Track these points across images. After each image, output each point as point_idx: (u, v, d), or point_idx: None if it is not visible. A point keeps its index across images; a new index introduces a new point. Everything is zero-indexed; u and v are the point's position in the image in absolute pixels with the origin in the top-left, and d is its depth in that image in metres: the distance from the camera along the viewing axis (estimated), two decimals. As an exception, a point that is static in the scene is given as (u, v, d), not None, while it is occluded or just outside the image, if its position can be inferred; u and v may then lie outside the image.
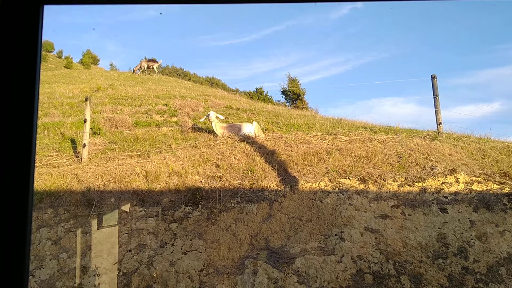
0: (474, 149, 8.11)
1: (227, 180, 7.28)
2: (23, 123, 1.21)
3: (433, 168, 7.36)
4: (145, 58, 26.12)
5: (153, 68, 25.38)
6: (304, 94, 28.94)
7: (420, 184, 7.10)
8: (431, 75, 9.09)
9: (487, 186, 7.04)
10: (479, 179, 7.14)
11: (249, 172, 7.45)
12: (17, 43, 1.18)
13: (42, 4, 1.22)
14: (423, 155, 7.77)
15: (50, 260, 6.23)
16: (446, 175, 7.23)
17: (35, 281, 5.99)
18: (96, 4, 1.24)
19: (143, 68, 25.60)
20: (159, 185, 7.20)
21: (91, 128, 9.17)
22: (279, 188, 7.10)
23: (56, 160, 8.28)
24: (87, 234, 6.46)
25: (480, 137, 9.07)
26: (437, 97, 8.96)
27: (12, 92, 1.21)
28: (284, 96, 29.39)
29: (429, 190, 6.99)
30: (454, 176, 7.21)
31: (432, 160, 7.60)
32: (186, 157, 7.94)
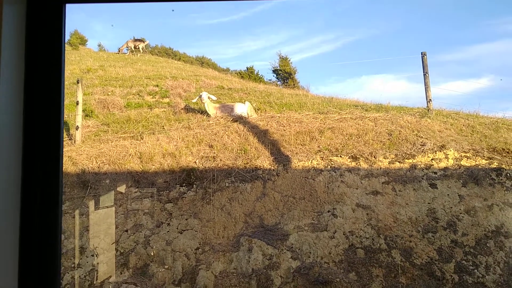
0: (463, 125, 8.25)
1: (221, 160, 7.36)
2: (51, 120, 1.28)
3: (423, 145, 7.49)
4: (133, 38, 25.77)
5: (138, 48, 25.06)
6: (295, 73, 28.88)
7: (410, 161, 7.24)
8: (421, 53, 9.17)
9: (475, 161, 7.20)
10: (468, 154, 7.29)
11: (243, 152, 7.54)
12: (42, 40, 1.24)
13: (64, 3, 1.27)
14: (413, 132, 7.90)
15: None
16: (435, 151, 7.38)
17: (33, 262, 6.08)
18: (113, 3, 1.30)
19: (130, 48, 25.25)
20: (154, 166, 7.27)
21: (83, 110, 9.17)
22: (272, 167, 7.20)
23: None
24: (84, 216, 6.54)
25: (469, 113, 9.21)
26: (427, 74, 9.05)
27: (40, 86, 1.27)
28: (275, 75, 29.33)
29: (419, 166, 7.14)
30: (444, 152, 7.36)
31: (422, 137, 7.73)
32: (179, 138, 8.00)
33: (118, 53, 25.17)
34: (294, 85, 25.79)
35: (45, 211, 1.34)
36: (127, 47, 25.36)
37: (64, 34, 1.28)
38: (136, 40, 25.39)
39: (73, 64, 17.89)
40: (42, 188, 1.32)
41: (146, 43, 25.50)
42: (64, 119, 9.18)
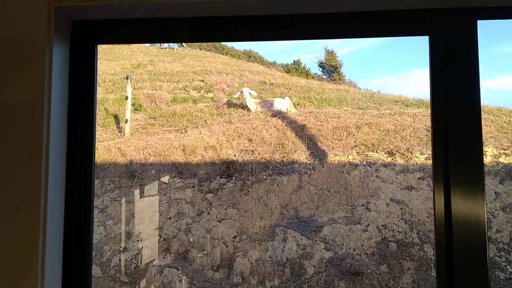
0: (504, 122, 8.12)
1: (259, 153, 7.67)
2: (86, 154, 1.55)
3: (461, 141, 7.47)
4: None
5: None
6: (341, 67, 28.68)
7: (447, 157, 7.24)
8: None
9: (515, 159, 7.12)
10: (507, 152, 7.21)
11: (280, 146, 7.81)
12: (80, 76, 1.53)
13: (97, 44, 1.55)
14: (452, 128, 7.87)
15: (98, 226, 6.86)
16: (474, 148, 7.34)
17: (86, 244, 6.63)
18: (138, 43, 1.56)
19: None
20: (196, 158, 7.68)
21: (132, 104, 9.73)
22: (308, 161, 7.43)
23: (101, 134, 8.90)
24: (131, 203, 7.04)
25: (510, 110, 9.02)
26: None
27: (79, 115, 1.54)
28: (321, 69, 29.26)
29: (456, 163, 7.13)
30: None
31: (461, 134, 7.69)
32: (220, 132, 8.37)
33: (166, 48, 25.91)
34: (339, 78, 25.67)
35: (81, 210, 1.54)
36: None
37: (96, 69, 1.55)
38: None
39: (124, 59, 18.71)
40: (80, 191, 1.53)
41: None
42: (115, 112, 9.76)
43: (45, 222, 1.36)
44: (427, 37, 1.39)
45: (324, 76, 28.29)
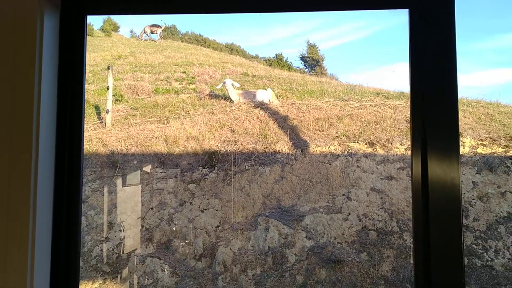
0: (482, 113, 8.31)
1: (241, 144, 7.70)
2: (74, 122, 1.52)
3: (440, 133, 7.62)
4: (150, 24, 25.91)
5: (156, 33, 25.32)
6: (323, 60, 28.79)
7: (426, 148, 7.38)
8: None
9: (492, 149, 7.29)
10: (484, 142, 7.39)
11: (263, 136, 7.85)
12: (69, 47, 1.51)
13: (86, 14, 1.53)
14: (431, 120, 8.01)
15: (81, 221, 6.81)
16: (453, 139, 7.49)
17: (67, 235, 6.58)
18: (131, 14, 1.55)
19: (147, 33, 25.49)
20: (178, 149, 7.67)
21: (114, 95, 9.64)
22: (290, 152, 7.49)
23: (82, 125, 8.81)
24: (112, 193, 7.01)
25: (490, 102, 9.22)
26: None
27: (64, 87, 1.52)
28: (303, 63, 29.34)
29: (435, 153, 7.27)
30: (460, 140, 7.47)
31: (440, 125, 7.84)
32: (203, 123, 8.37)
33: (147, 40, 25.62)
34: (321, 72, 25.80)
35: (70, 206, 1.52)
36: (144, 33, 25.65)
37: (85, 42, 1.53)
38: (152, 25, 25.57)
39: (105, 50, 18.49)
40: (68, 186, 1.52)
41: (162, 27, 25.64)
42: (95, 103, 9.67)
43: (34, 213, 1.37)
44: (407, 12, 1.43)
45: (306, 70, 28.37)
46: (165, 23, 26.14)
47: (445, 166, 1.32)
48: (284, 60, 34.79)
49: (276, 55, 35.81)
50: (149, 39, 24.90)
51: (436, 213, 1.31)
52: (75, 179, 1.53)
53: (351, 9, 1.50)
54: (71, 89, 1.52)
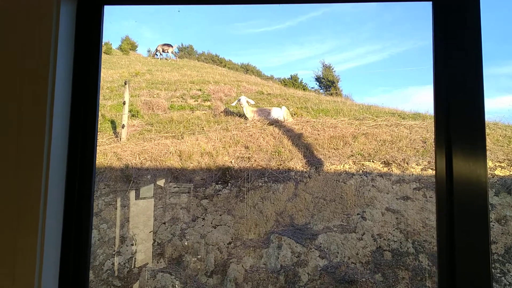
0: (500, 135, 8.18)
1: (255, 160, 7.67)
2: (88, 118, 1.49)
3: (457, 153, 7.50)
4: (162, 43, 26.47)
5: (167, 52, 25.78)
6: (338, 81, 28.81)
7: (443, 168, 7.26)
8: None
9: (510, 171, 7.15)
10: (502, 164, 7.25)
11: (277, 153, 7.82)
12: (85, 38, 1.48)
13: (103, 4, 1.51)
14: (448, 140, 7.91)
15: (92, 230, 6.79)
16: (470, 160, 7.37)
17: (79, 247, 6.56)
18: (150, 5, 1.53)
19: (159, 52, 26.00)
20: (192, 164, 7.66)
21: (130, 111, 9.73)
22: (304, 169, 7.43)
23: (98, 139, 8.87)
24: (125, 207, 7.00)
25: (508, 124, 9.08)
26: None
27: (82, 85, 1.49)
28: (318, 83, 29.38)
29: (452, 174, 7.15)
30: (478, 162, 7.34)
31: (457, 146, 7.73)
32: (217, 139, 8.38)
33: (153, 57, 26.01)
34: (336, 93, 25.79)
35: (81, 212, 1.49)
36: (157, 51, 26.17)
37: (102, 33, 1.48)
38: (164, 45, 26.08)
39: (122, 68, 18.77)
40: (79, 191, 1.49)
41: (174, 47, 26.11)
42: (111, 118, 9.76)
43: (44, 216, 1.34)
44: (430, 5, 1.39)
45: (321, 91, 28.40)
46: (176, 44, 26.61)
47: (471, 162, 1.27)
48: (299, 81, 34.88)
49: (291, 76, 35.93)
50: (164, 58, 25.30)
51: (462, 212, 1.26)
52: (86, 188, 1.50)
53: (374, 0, 1.47)
54: (86, 81, 1.50)
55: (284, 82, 29.92)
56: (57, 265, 1.44)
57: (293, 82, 32.97)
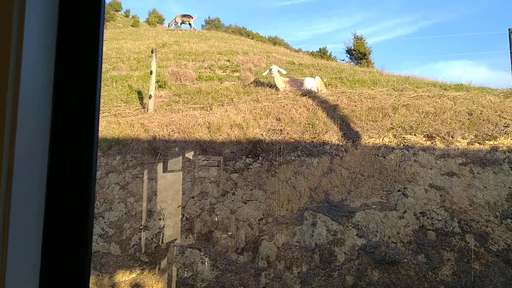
0: None
1: (287, 133, 7.26)
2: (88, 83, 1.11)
3: (506, 126, 6.92)
4: (181, 14, 25.82)
5: (187, 23, 25.19)
6: (370, 54, 27.93)
7: (491, 142, 6.71)
8: (509, 29, 8.44)
9: None
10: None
11: (310, 126, 7.38)
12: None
13: None
14: (496, 112, 7.31)
15: (119, 203, 6.57)
16: (521, 134, 6.79)
17: (104, 222, 6.36)
18: None
19: (177, 23, 25.40)
20: (221, 137, 7.31)
21: (157, 81, 9.41)
22: (340, 143, 6.99)
23: (124, 110, 8.61)
24: (153, 181, 6.73)
25: None
26: (515, 52, 8.31)
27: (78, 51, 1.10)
28: (348, 55, 28.55)
29: (501, 148, 6.60)
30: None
31: (505, 118, 7.14)
32: (247, 110, 7.98)
33: (168, 28, 25.49)
34: (368, 66, 24.98)
35: (75, 193, 1.12)
36: (175, 22, 25.57)
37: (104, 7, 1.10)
38: (184, 15, 25.44)
39: (149, 39, 18.47)
40: (72, 170, 1.11)
41: (194, 18, 25.44)
42: (138, 88, 9.46)
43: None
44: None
45: (352, 63, 27.59)
46: (196, 15, 25.98)
47: None
48: (328, 54, 34.06)
49: (319, 49, 35.19)
50: (179, 29, 24.78)
51: None
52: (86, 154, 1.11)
53: None
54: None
55: (313, 55, 29.18)
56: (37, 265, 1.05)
57: (322, 55, 32.19)
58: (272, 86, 9.47)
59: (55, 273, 1.04)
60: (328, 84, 9.43)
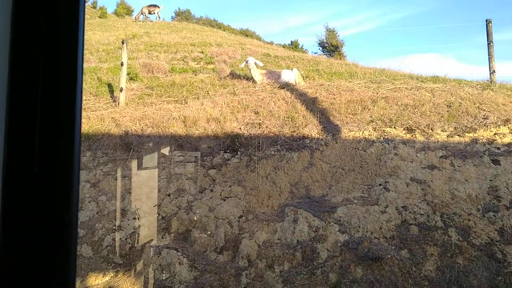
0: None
1: (266, 127, 7.05)
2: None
3: (485, 118, 6.91)
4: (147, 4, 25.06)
5: (154, 13, 24.54)
6: (342, 46, 27.97)
7: (471, 135, 6.69)
8: (486, 20, 8.43)
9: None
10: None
11: (290, 119, 7.19)
12: None
13: None
14: (474, 104, 7.30)
15: (90, 202, 6.25)
16: (499, 125, 6.79)
17: (76, 222, 6.03)
18: None
19: (144, 14, 24.70)
20: (197, 131, 7.05)
21: (128, 74, 9.03)
22: (320, 136, 6.83)
23: (94, 104, 8.22)
24: (126, 178, 6.43)
25: None
26: (491, 44, 8.32)
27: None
28: (321, 48, 28.52)
29: (481, 140, 6.59)
30: (508, 127, 6.76)
31: (484, 110, 7.13)
32: (224, 104, 7.73)
33: (136, 21, 24.71)
34: (340, 59, 25.00)
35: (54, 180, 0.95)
36: (142, 13, 24.85)
37: None
38: (150, 6, 24.75)
39: (118, 30, 17.91)
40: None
41: (161, 7, 24.76)
42: (108, 81, 9.07)
43: None
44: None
45: (325, 56, 27.58)
46: (162, 4, 25.23)
47: None
48: (300, 46, 34.00)
49: (291, 42, 35.10)
50: (148, 21, 24.11)
51: None
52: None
53: None
54: None
55: (284, 48, 29.01)
56: None
57: (294, 47, 32.09)
58: (249, 78, 9.24)
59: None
60: (306, 77, 9.27)
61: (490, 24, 8.41)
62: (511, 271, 5.20)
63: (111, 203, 6.20)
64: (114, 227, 5.93)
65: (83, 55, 0.94)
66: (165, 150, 6.65)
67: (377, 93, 7.74)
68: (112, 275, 5.52)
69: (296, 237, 5.61)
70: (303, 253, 5.47)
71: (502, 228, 5.57)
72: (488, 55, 8.29)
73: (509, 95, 7.74)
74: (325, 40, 28.07)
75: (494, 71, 8.26)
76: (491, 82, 8.21)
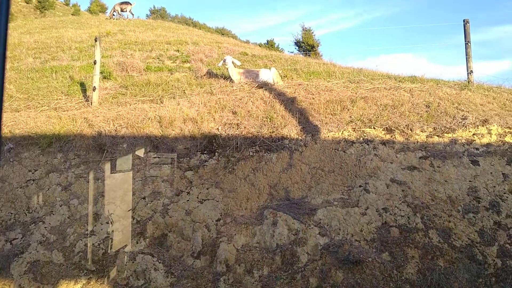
0: (507, 99, 7.60)
1: (245, 127, 6.89)
2: None
3: (464, 118, 6.90)
4: (119, 2, 24.49)
5: (126, 11, 24.06)
6: (318, 46, 28.00)
7: (450, 135, 6.67)
8: (464, 20, 8.45)
9: (522, 138, 6.60)
10: (513, 130, 6.69)
11: (268, 120, 7.05)
12: None
13: None
14: (453, 104, 7.30)
15: (61, 206, 5.98)
16: (477, 126, 6.79)
17: (45, 227, 5.76)
18: None
19: (117, 11, 24.20)
20: (174, 132, 6.84)
21: (101, 72, 8.73)
22: (300, 137, 6.71)
23: (65, 103, 7.91)
24: (99, 180, 6.18)
25: (510, 88, 8.51)
26: (469, 44, 8.35)
27: None
28: (297, 48, 28.48)
29: (460, 141, 6.57)
30: (486, 127, 6.77)
31: (462, 110, 7.13)
32: (201, 103, 7.53)
33: (109, 19, 24.16)
34: (317, 58, 24.99)
35: None
36: (115, 11, 24.34)
37: None
38: (122, 3, 24.24)
39: (92, 27, 17.47)
40: None
41: (133, 5, 24.29)
42: (81, 80, 8.76)
43: None
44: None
45: (301, 55, 27.54)
46: (135, 2, 24.71)
47: None
48: (276, 46, 33.95)
49: (267, 40, 35.00)
50: (122, 18, 23.63)
51: None
52: None
53: None
54: None
55: (260, 47, 28.86)
56: None
57: (270, 46, 31.99)
58: (226, 77, 9.05)
59: None
60: (284, 76, 9.14)
61: (468, 24, 8.43)
62: (492, 273, 5.18)
63: (83, 207, 5.95)
64: (86, 232, 5.69)
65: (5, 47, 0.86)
66: (140, 152, 6.42)
67: (356, 93, 7.67)
68: (84, 283, 5.29)
69: (276, 241, 5.48)
70: (282, 257, 5.34)
71: (482, 230, 5.56)
72: (466, 55, 8.31)
73: (487, 95, 7.77)
74: (301, 40, 28.03)
75: (471, 71, 8.29)
76: (468, 82, 8.23)
